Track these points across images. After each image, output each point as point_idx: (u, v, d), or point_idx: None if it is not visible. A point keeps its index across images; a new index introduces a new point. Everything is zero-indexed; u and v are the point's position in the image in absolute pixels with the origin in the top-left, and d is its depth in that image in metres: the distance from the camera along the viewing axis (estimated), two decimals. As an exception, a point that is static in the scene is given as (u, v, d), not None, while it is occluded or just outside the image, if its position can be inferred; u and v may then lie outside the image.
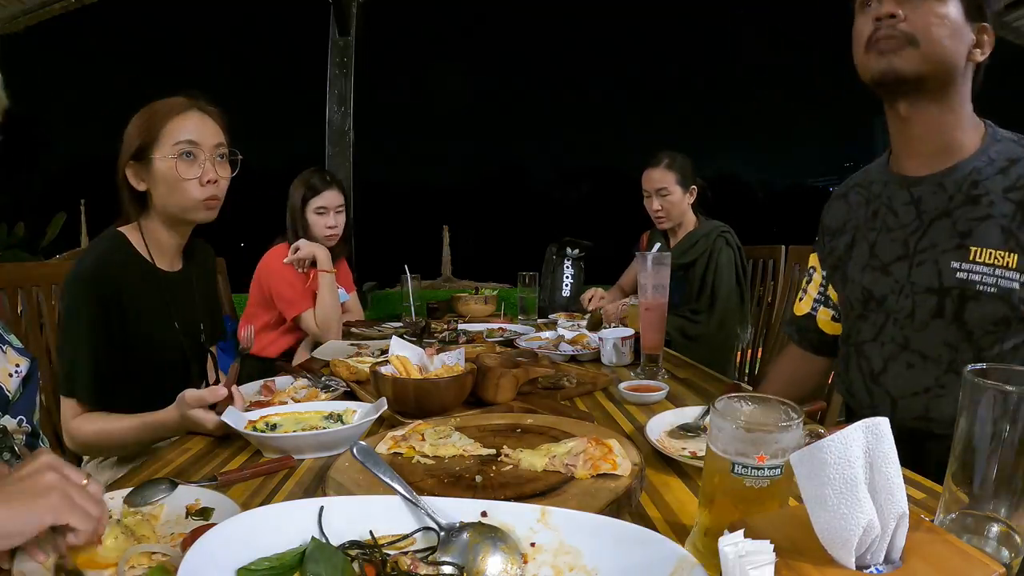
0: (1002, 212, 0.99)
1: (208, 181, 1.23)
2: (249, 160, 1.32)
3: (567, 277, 4.27)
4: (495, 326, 2.14)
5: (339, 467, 0.80)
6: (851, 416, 1.25)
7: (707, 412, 1.03)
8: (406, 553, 0.57)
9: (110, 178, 1.27)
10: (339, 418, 1.06)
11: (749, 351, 2.44)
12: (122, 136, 1.25)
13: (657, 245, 2.42)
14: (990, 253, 0.99)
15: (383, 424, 1.09)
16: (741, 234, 2.36)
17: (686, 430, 0.98)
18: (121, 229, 1.28)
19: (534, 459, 0.81)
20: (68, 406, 1.18)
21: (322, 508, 0.59)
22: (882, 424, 0.49)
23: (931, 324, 1.06)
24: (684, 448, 0.93)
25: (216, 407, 1.05)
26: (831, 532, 0.48)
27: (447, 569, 0.54)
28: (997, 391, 0.54)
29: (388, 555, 0.56)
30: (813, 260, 1.35)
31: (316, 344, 2.00)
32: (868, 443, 0.49)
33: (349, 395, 1.30)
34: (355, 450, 0.69)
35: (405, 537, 0.59)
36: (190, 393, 1.06)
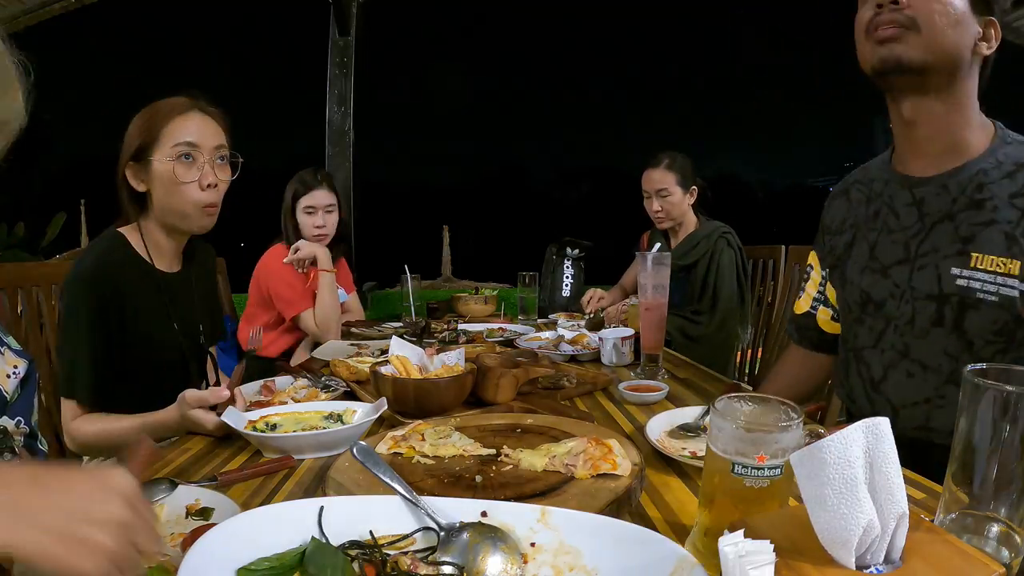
0: (1007, 218, 0.96)
1: (207, 184, 1.22)
2: (249, 160, 1.31)
3: (567, 277, 4.27)
4: (495, 326, 2.14)
5: (339, 467, 0.80)
6: (851, 419, 1.25)
7: (707, 412, 1.03)
8: (406, 553, 0.57)
9: (110, 178, 1.27)
10: (339, 418, 1.06)
11: (749, 351, 2.44)
12: (123, 136, 1.24)
13: (657, 245, 2.42)
14: (992, 260, 0.96)
15: (383, 424, 1.09)
16: (741, 234, 2.36)
17: (686, 430, 0.98)
18: (121, 230, 1.28)
19: (534, 459, 0.81)
20: (68, 407, 1.18)
21: (322, 508, 0.59)
22: (882, 424, 0.49)
23: (931, 332, 1.03)
24: (684, 448, 0.93)
25: (216, 407, 1.05)
26: (831, 532, 0.48)
27: (447, 569, 0.54)
28: (997, 391, 0.54)
29: (388, 555, 0.56)
30: (812, 258, 1.33)
31: (316, 344, 2.00)
32: (868, 443, 0.49)
33: (349, 395, 1.30)
34: (355, 450, 0.69)
35: (405, 537, 0.59)
36: (191, 393, 1.06)
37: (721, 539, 0.45)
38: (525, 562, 0.56)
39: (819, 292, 1.32)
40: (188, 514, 0.73)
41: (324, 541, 0.56)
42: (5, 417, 0.83)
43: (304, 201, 2.12)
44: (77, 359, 1.16)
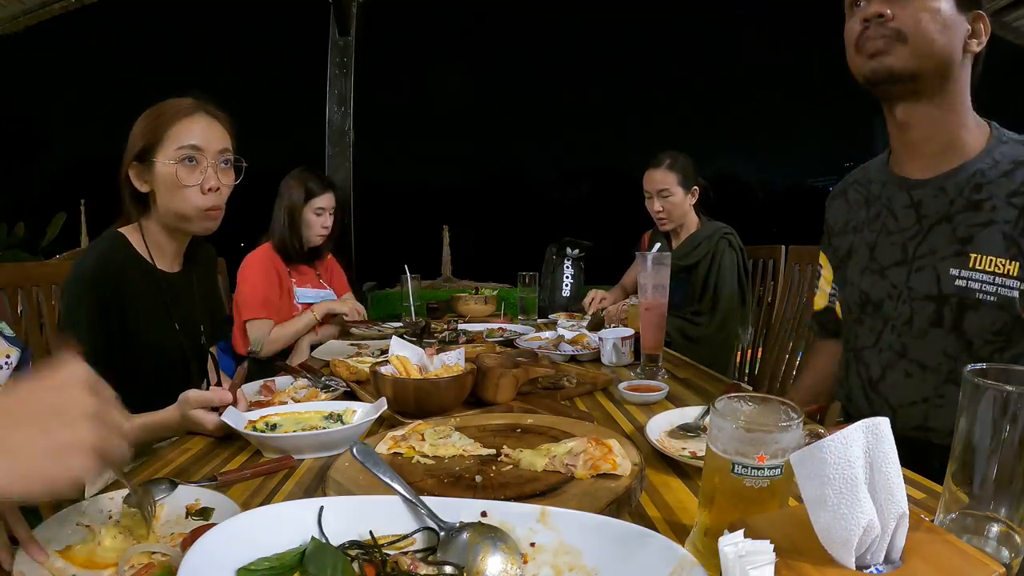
0: (1005, 218, 0.96)
1: (209, 188, 1.21)
2: (249, 160, 1.31)
3: (567, 277, 4.28)
4: (495, 326, 2.14)
5: (339, 467, 0.80)
6: (850, 420, 1.25)
7: (707, 412, 1.03)
8: (406, 553, 0.57)
9: (110, 178, 1.26)
10: (339, 418, 1.06)
11: (749, 351, 2.44)
12: (126, 134, 1.23)
13: (658, 245, 2.42)
14: (991, 260, 0.96)
15: (383, 424, 1.09)
16: (741, 234, 2.36)
17: (686, 430, 0.98)
18: (121, 230, 1.28)
19: (534, 459, 0.81)
20: None
21: (322, 508, 0.59)
22: (882, 424, 0.49)
23: (930, 332, 1.03)
24: (684, 448, 0.93)
25: (217, 408, 1.05)
26: (831, 532, 0.48)
27: (447, 569, 0.54)
28: (997, 391, 0.54)
29: (388, 555, 0.56)
30: (822, 259, 1.35)
31: (315, 344, 2.02)
32: (868, 443, 0.49)
33: (349, 395, 1.30)
34: (355, 450, 0.69)
35: (405, 537, 0.59)
36: (193, 394, 1.06)
37: (721, 539, 0.45)
38: (525, 562, 0.56)
39: (833, 288, 1.33)
40: (188, 514, 0.73)
41: (324, 541, 0.56)
42: None
43: (316, 203, 2.22)
44: (77, 359, 1.15)
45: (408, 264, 2.26)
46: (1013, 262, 0.94)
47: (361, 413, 1.06)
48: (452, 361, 1.23)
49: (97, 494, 0.76)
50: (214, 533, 0.53)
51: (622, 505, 0.71)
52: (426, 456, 0.86)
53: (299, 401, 1.21)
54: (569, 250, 4.29)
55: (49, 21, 4.10)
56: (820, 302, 1.37)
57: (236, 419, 1.00)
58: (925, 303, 1.03)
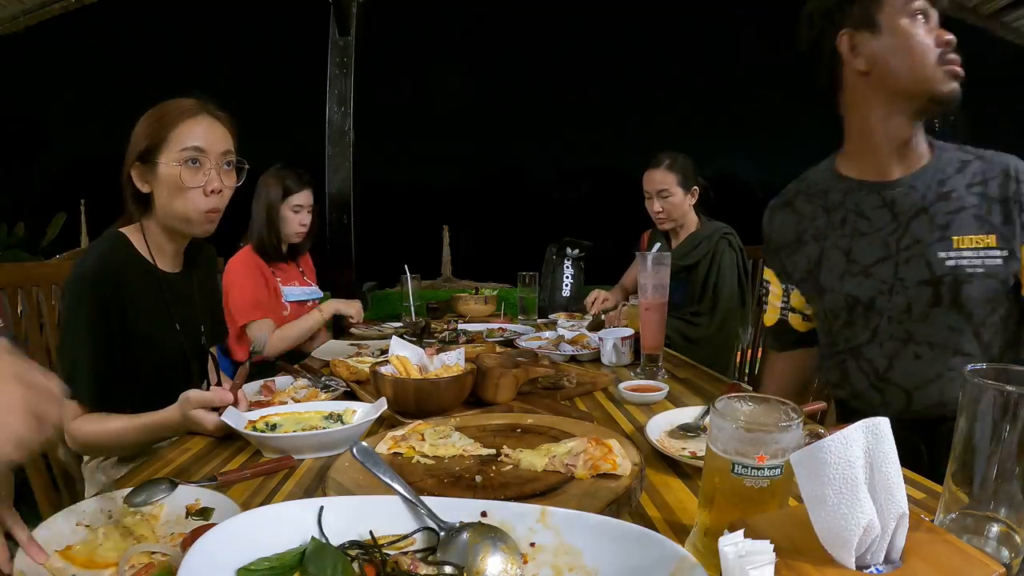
0: (971, 203, 1.10)
1: (212, 190, 1.21)
2: (249, 160, 1.31)
3: (567, 277, 4.27)
4: (495, 326, 2.14)
5: (339, 467, 0.80)
6: (856, 415, 1.26)
7: (707, 412, 1.03)
8: (406, 553, 0.57)
9: (110, 178, 1.26)
10: (339, 418, 1.06)
11: (749, 351, 2.44)
12: (127, 135, 1.23)
13: (658, 245, 2.42)
14: (971, 239, 1.09)
15: (383, 424, 1.09)
16: (741, 234, 2.36)
17: (686, 430, 0.98)
18: (122, 230, 1.27)
19: (534, 459, 0.81)
20: (69, 407, 1.18)
21: (322, 508, 0.59)
22: (882, 424, 0.49)
23: (931, 313, 1.11)
24: (684, 448, 0.93)
25: (217, 408, 1.05)
26: (831, 532, 0.48)
27: (447, 569, 0.54)
28: (997, 391, 0.54)
29: (388, 555, 0.56)
30: (768, 274, 1.39)
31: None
32: (868, 443, 0.49)
33: (349, 395, 1.30)
34: (355, 450, 0.69)
35: (405, 537, 0.59)
36: (195, 394, 1.06)
37: (721, 539, 0.45)
38: (525, 562, 0.56)
39: (783, 303, 1.37)
40: (188, 514, 0.73)
41: (324, 541, 0.56)
42: None
43: (293, 200, 2.20)
44: (78, 359, 1.15)
45: (408, 264, 2.26)
46: (989, 235, 1.08)
47: (361, 413, 1.07)
48: (452, 361, 1.23)
49: (97, 494, 0.76)
50: (214, 533, 0.53)
51: (622, 505, 0.71)
52: (426, 456, 0.86)
53: (299, 401, 1.21)
54: (569, 250, 4.28)
55: (49, 21, 4.10)
56: (771, 318, 1.41)
57: (236, 419, 1.00)
58: (921, 288, 1.11)
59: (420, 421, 0.98)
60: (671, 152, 2.34)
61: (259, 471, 0.88)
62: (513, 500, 0.68)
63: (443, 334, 1.94)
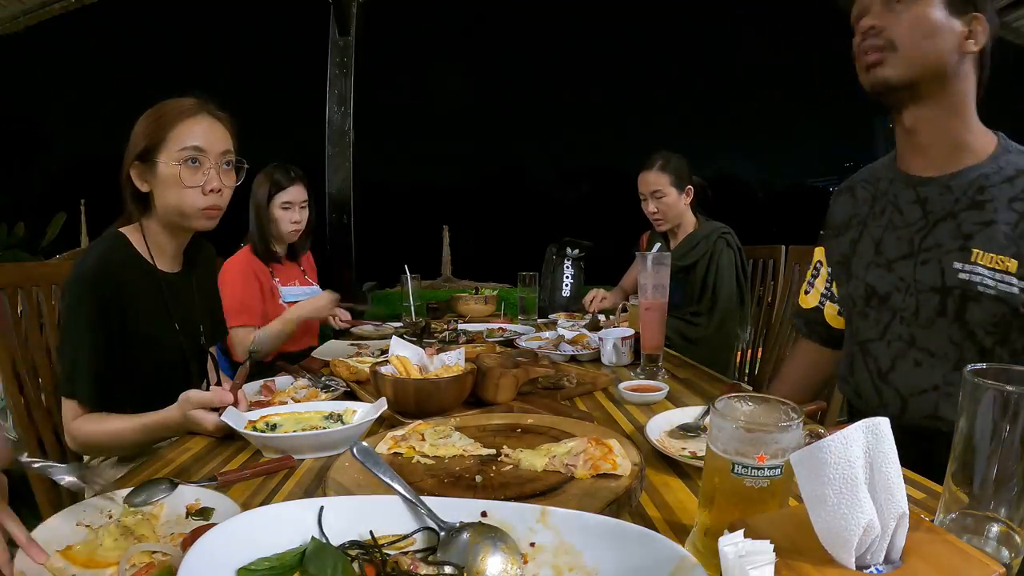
0: (1005, 220, 1.01)
1: (211, 190, 1.21)
2: (249, 160, 1.31)
3: (567, 277, 4.27)
4: (495, 326, 2.14)
5: (339, 467, 0.80)
6: (855, 417, 1.26)
7: (707, 412, 1.03)
8: (406, 553, 0.57)
9: (110, 178, 1.26)
10: (339, 418, 1.06)
11: (749, 351, 2.44)
12: (126, 134, 1.23)
13: (657, 245, 2.41)
14: (991, 257, 1.01)
15: (383, 424, 1.09)
16: (741, 234, 2.36)
17: (686, 430, 0.98)
18: (122, 230, 1.27)
19: (534, 459, 0.81)
20: (69, 407, 1.18)
21: (322, 508, 0.59)
22: (882, 424, 0.49)
23: (936, 322, 1.08)
24: (684, 448, 0.93)
25: (217, 408, 1.05)
26: (831, 532, 0.48)
27: (447, 569, 0.54)
28: (997, 391, 0.54)
29: (388, 555, 0.56)
30: (820, 254, 1.36)
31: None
32: (868, 443, 0.49)
33: (349, 395, 1.30)
34: (355, 450, 0.69)
35: (405, 537, 0.59)
36: (195, 394, 1.06)
37: (721, 539, 0.45)
38: (525, 562, 0.56)
39: (827, 288, 1.34)
40: (188, 514, 0.73)
41: (324, 541, 0.56)
42: None
43: (281, 197, 2.14)
44: (78, 359, 1.15)
45: (408, 264, 2.26)
46: (1012, 260, 0.99)
47: (361, 413, 1.07)
48: (452, 361, 1.23)
49: (97, 494, 0.76)
50: (214, 533, 0.53)
51: (622, 505, 0.71)
52: (426, 456, 0.86)
53: (299, 401, 1.21)
54: (569, 250, 4.28)
55: (49, 21, 4.11)
56: (810, 301, 1.38)
57: (236, 419, 1.00)
58: (931, 295, 1.08)
59: (420, 421, 0.98)
60: (664, 152, 2.34)
61: (259, 471, 0.88)
62: (513, 500, 0.68)
63: (443, 334, 1.94)
